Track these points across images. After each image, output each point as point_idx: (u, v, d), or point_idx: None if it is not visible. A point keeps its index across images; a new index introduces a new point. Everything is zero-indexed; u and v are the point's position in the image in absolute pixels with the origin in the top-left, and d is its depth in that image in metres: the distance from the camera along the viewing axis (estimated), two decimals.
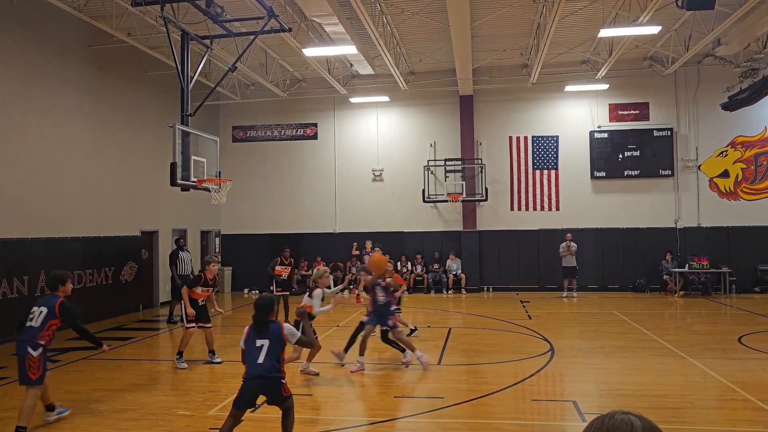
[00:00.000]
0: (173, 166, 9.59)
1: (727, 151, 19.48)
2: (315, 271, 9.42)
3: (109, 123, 15.61)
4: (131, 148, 16.40)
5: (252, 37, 11.69)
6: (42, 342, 6.53)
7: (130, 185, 16.29)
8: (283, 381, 5.68)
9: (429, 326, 13.55)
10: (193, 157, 10.16)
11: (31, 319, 6.58)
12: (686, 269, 18.54)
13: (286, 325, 5.84)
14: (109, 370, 9.62)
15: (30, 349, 6.45)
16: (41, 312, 6.59)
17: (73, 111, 14.37)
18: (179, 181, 9.74)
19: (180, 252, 14.69)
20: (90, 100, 14.93)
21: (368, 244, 14.81)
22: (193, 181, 10.11)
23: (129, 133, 16.36)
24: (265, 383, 5.60)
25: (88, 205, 14.68)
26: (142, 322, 14.93)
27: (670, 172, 19.60)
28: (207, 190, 10.62)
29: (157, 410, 7.40)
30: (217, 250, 21.51)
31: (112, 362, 10.28)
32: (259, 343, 5.62)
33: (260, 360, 5.56)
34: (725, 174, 19.47)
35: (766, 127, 19.25)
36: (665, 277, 18.90)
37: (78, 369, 9.76)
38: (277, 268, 13.93)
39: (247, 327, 5.81)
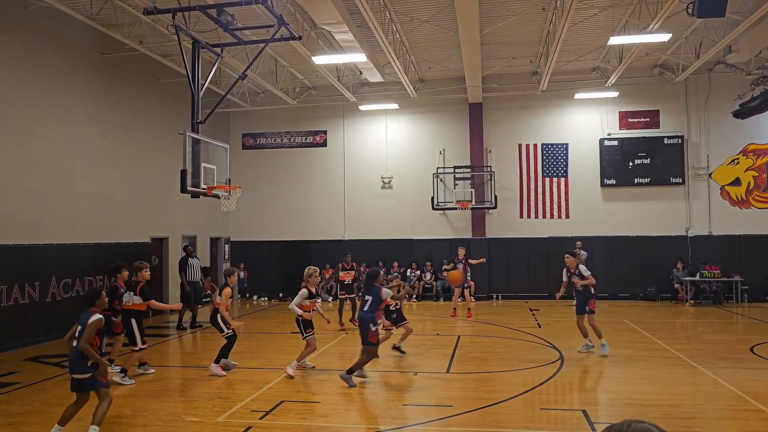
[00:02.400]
0: (183, 173, 9.63)
1: (738, 158, 19.34)
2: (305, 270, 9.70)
3: (120, 130, 15.75)
4: (142, 155, 16.53)
5: (262, 45, 11.76)
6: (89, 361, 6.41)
7: (141, 192, 16.40)
8: (372, 327, 8.71)
9: (438, 334, 13.51)
10: (203, 164, 10.21)
11: (78, 338, 6.45)
12: (697, 278, 18.38)
13: (384, 289, 8.89)
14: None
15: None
16: (78, 329, 6.49)
17: (85, 118, 14.51)
18: (189, 188, 9.78)
19: (189, 258, 14.75)
20: (101, 107, 15.07)
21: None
22: (203, 188, 10.15)
23: (140, 140, 16.50)
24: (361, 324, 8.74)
25: (99, 212, 14.79)
26: (152, 328, 14.95)
27: (680, 180, 19.48)
28: (217, 197, 10.67)
29: (165, 416, 7.42)
30: (226, 257, 21.58)
31: None
32: (366, 297, 8.72)
33: (364, 308, 8.73)
34: (737, 182, 19.33)
35: None
36: (676, 285, 18.75)
37: None
38: (341, 273, 14.64)
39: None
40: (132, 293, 9.65)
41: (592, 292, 10.89)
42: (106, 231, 14.96)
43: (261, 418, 7.26)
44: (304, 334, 9.42)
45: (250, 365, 10.33)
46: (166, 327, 15.17)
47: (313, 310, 9.60)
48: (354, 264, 15.37)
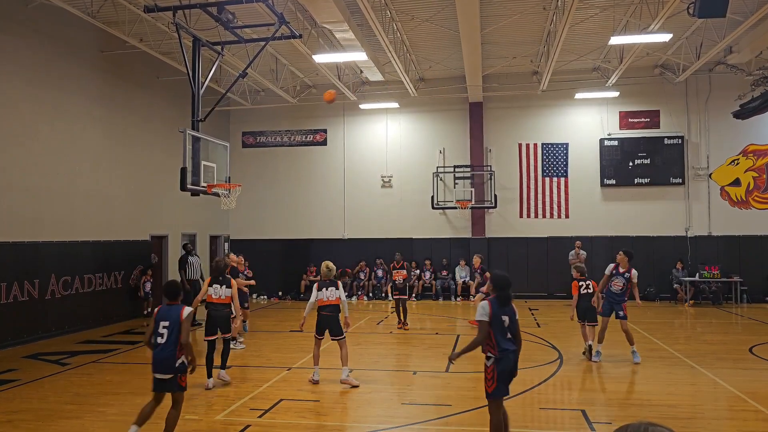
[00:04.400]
0: (183, 171, 9.64)
1: (738, 159, 19.35)
2: None
3: (120, 128, 15.75)
4: (142, 153, 16.52)
5: (263, 43, 11.76)
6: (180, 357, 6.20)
7: (141, 190, 16.40)
8: None
9: (437, 333, 13.51)
10: (203, 163, 10.22)
11: (161, 335, 6.18)
12: (697, 278, 18.38)
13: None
14: (118, 374, 9.66)
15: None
16: (165, 325, 6.20)
17: (85, 115, 14.50)
18: (189, 186, 9.79)
19: (189, 257, 14.75)
20: (102, 105, 15.06)
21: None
22: (203, 186, 10.16)
23: (140, 138, 16.49)
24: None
25: (99, 209, 14.80)
26: None
27: (680, 181, 19.48)
28: (217, 195, 10.67)
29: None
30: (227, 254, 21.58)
31: (121, 366, 10.33)
32: (504, 317, 5.64)
33: (509, 335, 5.66)
34: (737, 182, 19.33)
35: None
36: (675, 286, 18.75)
37: (87, 372, 9.81)
38: (393, 273, 14.32)
39: (486, 303, 5.63)
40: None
41: (627, 297, 10.50)
42: (106, 229, 14.96)
43: (260, 417, 7.27)
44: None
45: (249, 363, 10.33)
46: None
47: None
48: (405, 263, 14.97)
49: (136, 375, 9.60)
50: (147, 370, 9.95)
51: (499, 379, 5.54)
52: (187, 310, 6.23)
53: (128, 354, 11.46)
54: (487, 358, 5.60)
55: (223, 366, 9.08)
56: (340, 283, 9.22)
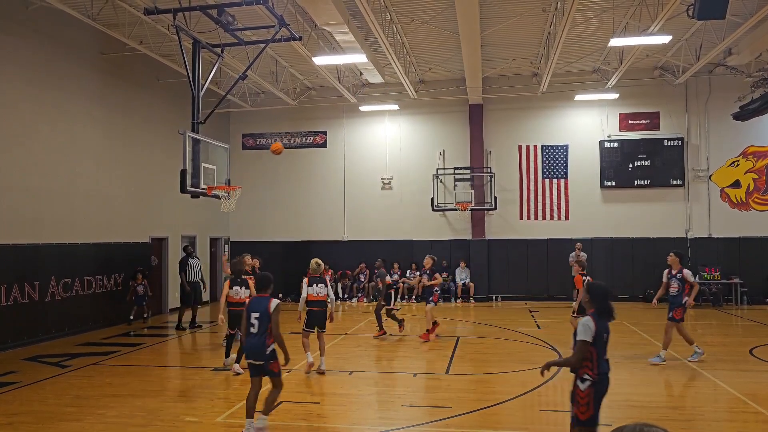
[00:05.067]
0: (183, 173, 9.65)
1: (738, 161, 19.35)
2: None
3: (120, 130, 15.76)
4: (142, 155, 16.53)
5: (263, 45, 11.77)
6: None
7: (141, 192, 16.41)
8: None
9: (437, 335, 13.49)
10: (203, 165, 10.22)
11: (253, 325, 6.53)
12: (697, 280, 18.35)
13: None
14: (118, 376, 9.65)
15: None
16: (256, 316, 6.55)
17: (85, 117, 14.51)
18: (189, 188, 9.79)
19: (189, 259, 14.74)
20: (102, 107, 15.07)
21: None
22: (203, 188, 10.16)
23: (140, 140, 16.50)
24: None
25: (99, 211, 14.80)
26: (151, 328, 14.98)
27: (680, 182, 19.49)
28: (217, 197, 10.68)
29: (165, 416, 7.42)
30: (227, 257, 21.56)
31: (121, 368, 10.33)
32: (605, 335, 4.93)
33: (606, 356, 4.95)
34: (736, 184, 19.34)
35: None
36: None
37: (87, 375, 9.80)
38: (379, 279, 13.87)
39: (589, 320, 4.90)
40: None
41: (684, 300, 10.33)
42: (106, 231, 14.97)
43: None
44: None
45: None
46: (165, 327, 15.17)
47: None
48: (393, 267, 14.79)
49: (136, 377, 9.60)
50: (147, 373, 10.01)
51: (596, 404, 4.87)
52: (274, 302, 6.57)
53: (128, 356, 11.45)
54: (582, 380, 4.90)
55: (238, 359, 9.60)
56: (328, 280, 9.76)
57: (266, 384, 6.73)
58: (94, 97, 14.83)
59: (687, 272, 10.40)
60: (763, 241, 18.82)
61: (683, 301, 10.31)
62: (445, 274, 20.31)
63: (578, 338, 4.88)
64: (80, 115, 14.34)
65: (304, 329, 9.54)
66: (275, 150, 10.72)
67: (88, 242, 14.28)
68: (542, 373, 5.16)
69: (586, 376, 4.86)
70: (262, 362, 6.51)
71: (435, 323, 12.69)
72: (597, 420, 4.94)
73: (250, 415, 6.55)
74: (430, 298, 12.70)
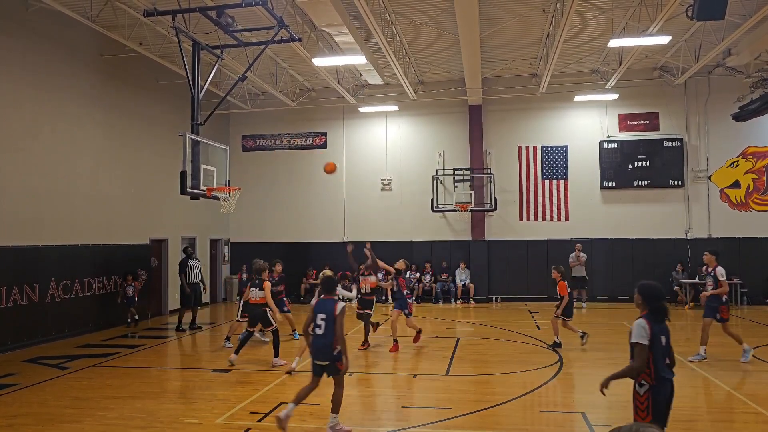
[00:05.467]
0: (183, 174, 9.65)
1: (738, 161, 19.36)
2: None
3: (120, 131, 15.76)
4: (142, 157, 16.53)
5: (262, 47, 11.78)
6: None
7: (141, 193, 16.41)
8: None
9: (437, 336, 13.49)
10: (202, 166, 10.22)
11: (319, 326, 6.68)
12: (697, 280, 18.37)
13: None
14: (117, 378, 9.65)
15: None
16: (322, 318, 6.68)
17: (85, 119, 14.52)
18: (189, 190, 9.80)
19: (189, 260, 14.73)
20: (101, 109, 15.08)
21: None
22: (203, 190, 10.17)
23: (140, 142, 16.51)
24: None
25: (99, 213, 14.80)
26: (151, 330, 14.97)
27: (680, 183, 19.49)
28: (216, 198, 10.68)
29: (164, 418, 7.41)
30: (226, 258, 21.58)
31: (120, 370, 10.33)
32: (662, 338, 4.91)
33: (667, 360, 4.94)
34: (736, 184, 19.34)
35: None
36: (675, 288, 18.75)
37: (87, 376, 9.80)
38: (361, 279, 13.45)
39: (643, 321, 4.87)
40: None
41: (723, 299, 10.41)
42: (106, 232, 14.96)
43: (260, 420, 7.26)
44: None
45: (249, 367, 10.33)
46: (165, 329, 15.16)
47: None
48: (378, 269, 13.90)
49: (136, 379, 9.60)
50: (147, 374, 10.01)
51: (655, 410, 4.77)
52: (340, 305, 6.72)
53: (128, 358, 11.45)
54: (640, 385, 4.84)
55: (275, 354, 10.30)
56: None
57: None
58: (94, 98, 14.84)
59: (720, 270, 10.54)
60: (763, 242, 18.82)
61: (723, 300, 10.45)
62: (444, 275, 20.30)
63: (634, 341, 4.77)
64: (80, 116, 14.34)
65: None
66: (329, 170, 11.09)
67: (88, 244, 14.28)
68: (602, 392, 5.02)
69: (644, 381, 4.79)
70: (327, 362, 6.65)
71: (419, 331, 11.90)
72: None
73: (296, 402, 6.72)
74: (407, 311, 11.60)
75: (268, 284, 10.47)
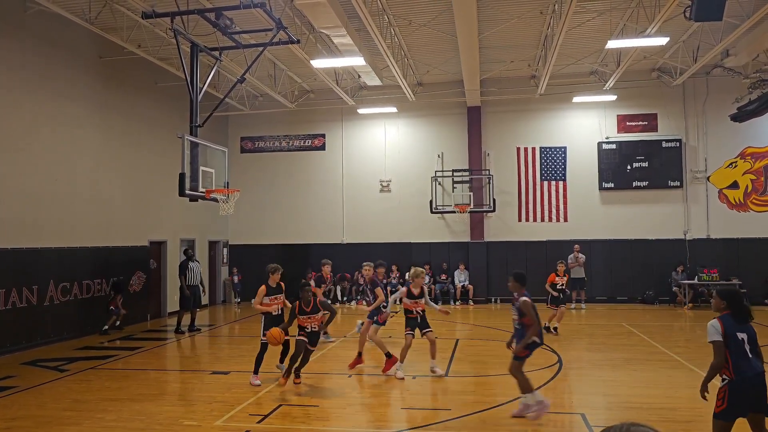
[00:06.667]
0: (182, 176, 9.66)
1: (736, 162, 19.38)
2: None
3: (119, 133, 15.76)
4: (141, 159, 16.53)
5: (261, 48, 11.79)
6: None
7: (139, 195, 16.40)
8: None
9: (437, 337, 13.47)
10: (201, 168, 10.23)
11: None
12: (696, 281, 18.39)
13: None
14: (116, 380, 9.64)
15: None
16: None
17: (84, 121, 14.51)
18: (188, 192, 9.81)
19: (189, 262, 14.74)
20: (100, 111, 15.07)
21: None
22: (202, 192, 10.17)
23: (138, 144, 16.50)
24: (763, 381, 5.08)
25: (98, 215, 14.78)
26: (150, 332, 14.96)
27: (678, 184, 19.51)
28: (215, 200, 10.68)
29: (164, 420, 7.41)
30: (225, 260, 21.56)
31: (119, 372, 10.32)
32: (740, 336, 5.14)
33: (750, 355, 5.12)
34: (734, 185, 19.36)
35: None
36: (674, 289, 18.76)
37: (86, 379, 9.78)
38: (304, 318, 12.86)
39: (715, 321, 5.25)
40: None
41: None
42: (105, 234, 14.95)
43: (259, 422, 7.26)
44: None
45: (248, 369, 10.30)
46: (164, 331, 15.15)
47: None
48: (324, 287, 13.61)
49: (134, 381, 9.58)
50: (146, 376, 9.99)
51: (731, 401, 5.04)
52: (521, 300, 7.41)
53: (127, 360, 11.44)
54: (722, 378, 5.16)
55: (282, 361, 9.81)
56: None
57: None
58: (93, 100, 14.83)
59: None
60: (762, 242, 18.83)
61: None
62: (444, 276, 20.30)
63: (710, 341, 5.20)
64: (79, 118, 14.34)
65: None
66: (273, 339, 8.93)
67: (86, 246, 14.26)
68: (704, 397, 5.38)
69: (724, 376, 5.13)
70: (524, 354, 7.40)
71: (360, 354, 10.34)
72: (729, 416, 5.10)
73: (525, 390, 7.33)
74: (377, 317, 10.15)
75: (262, 288, 9.41)
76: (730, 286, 5.01)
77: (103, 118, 15.17)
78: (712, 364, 5.16)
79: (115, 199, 15.44)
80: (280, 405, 7.94)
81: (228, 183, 11.14)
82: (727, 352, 5.08)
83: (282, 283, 9.67)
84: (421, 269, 9.90)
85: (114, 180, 15.46)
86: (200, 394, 8.79)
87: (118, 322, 14.84)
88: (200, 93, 10.57)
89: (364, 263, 10.87)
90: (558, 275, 13.78)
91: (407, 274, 10.19)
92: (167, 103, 17.64)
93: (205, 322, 16.43)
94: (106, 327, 14.49)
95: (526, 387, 7.34)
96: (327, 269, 13.23)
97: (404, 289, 9.74)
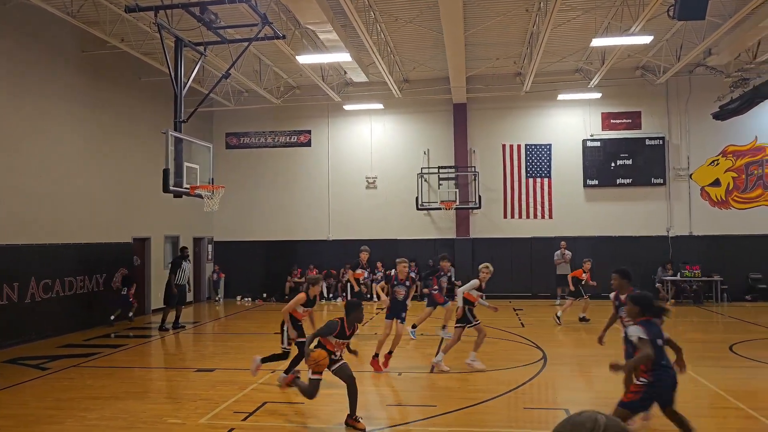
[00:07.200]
0: (166, 172, 9.56)
1: (718, 160, 19.61)
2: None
3: (102, 129, 15.57)
4: (124, 155, 16.35)
5: (246, 44, 11.70)
6: None
7: (123, 191, 16.23)
8: None
9: (422, 334, 13.51)
10: (186, 164, 10.13)
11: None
12: (678, 277, 18.61)
13: None
14: (99, 378, 9.54)
15: None
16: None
17: (67, 116, 14.32)
18: (172, 188, 9.71)
19: (182, 261, 14.67)
20: (83, 106, 14.88)
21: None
22: (186, 188, 10.08)
23: (122, 139, 16.32)
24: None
25: (81, 212, 14.61)
26: (134, 329, 14.83)
27: (662, 181, 19.70)
28: (200, 196, 10.59)
29: (147, 418, 7.35)
30: (210, 257, 21.43)
31: (102, 370, 10.22)
32: (659, 342, 5.42)
33: (665, 362, 5.40)
34: (716, 183, 19.60)
35: (756, 137, 19.40)
36: (657, 285, 18.96)
37: (68, 377, 9.68)
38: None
39: (639, 326, 5.42)
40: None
41: None
42: (88, 231, 14.78)
43: (244, 420, 7.22)
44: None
45: (233, 366, 10.27)
46: (148, 328, 15.02)
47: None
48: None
49: (117, 379, 9.50)
50: (129, 374, 9.91)
51: (643, 399, 5.42)
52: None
53: (110, 358, 11.33)
54: (641, 379, 5.45)
55: (286, 371, 8.70)
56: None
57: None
58: (75, 95, 14.64)
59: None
60: (743, 239, 19.08)
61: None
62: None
63: (634, 336, 5.42)
64: (61, 113, 14.15)
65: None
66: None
67: (69, 243, 14.09)
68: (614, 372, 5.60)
69: (642, 379, 5.36)
70: None
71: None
72: (637, 410, 5.49)
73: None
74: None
75: (301, 296, 8.76)
76: (642, 292, 5.10)
77: (85, 113, 14.98)
78: (644, 353, 5.22)
79: (97, 196, 15.26)
80: (266, 402, 7.91)
81: (213, 179, 11.04)
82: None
83: (317, 296, 9.07)
84: (488, 264, 10.25)
85: (97, 176, 15.28)
86: (185, 391, 8.73)
87: (131, 313, 15.37)
88: (185, 88, 10.46)
89: (399, 260, 10.53)
90: (584, 272, 15.00)
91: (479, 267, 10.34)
92: (151, 99, 17.47)
93: (190, 319, 16.32)
94: (113, 317, 15.03)
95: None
96: (365, 256, 14.02)
97: (476, 281, 10.04)
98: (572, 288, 15.09)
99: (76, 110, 14.67)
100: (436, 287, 12.04)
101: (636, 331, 5.32)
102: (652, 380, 5.23)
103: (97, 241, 15.04)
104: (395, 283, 10.15)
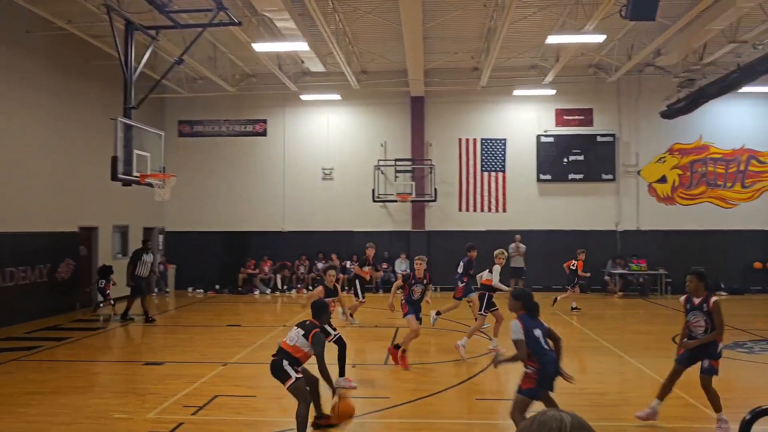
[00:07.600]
0: (114, 160, 9.29)
1: (665, 157, 20.27)
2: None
3: (47, 113, 14.93)
4: (71, 140, 15.73)
5: (200, 29, 11.41)
6: None
7: (69, 179, 15.62)
8: None
9: (376, 326, 13.54)
10: (136, 152, 9.87)
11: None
12: (626, 271, 19.19)
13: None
14: (41, 372, 9.20)
15: None
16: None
17: (8, 99, 13.66)
18: (121, 176, 9.44)
19: (144, 254, 14.29)
20: (27, 88, 14.22)
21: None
22: (136, 176, 9.81)
23: (68, 125, 15.69)
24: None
25: (23, 199, 13.98)
26: (79, 321, 14.35)
27: (612, 177, 20.24)
28: (150, 185, 10.33)
29: (91, 414, 7.11)
30: (160, 247, 20.90)
31: (45, 364, 9.86)
32: (536, 332, 5.82)
33: (546, 347, 5.84)
34: (663, 179, 20.26)
35: (701, 135, 20.13)
36: (606, 278, 19.50)
37: (7, 371, 9.29)
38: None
39: (517, 321, 5.87)
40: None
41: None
42: (30, 219, 14.16)
43: (194, 414, 7.08)
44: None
45: (183, 359, 10.05)
46: (95, 320, 14.56)
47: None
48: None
49: (61, 373, 9.17)
50: (74, 368, 9.57)
51: (539, 383, 5.91)
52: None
53: (54, 351, 10.93)
54: (528, 368, 5.91)
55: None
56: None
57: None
58: (18, 77, 13.97)
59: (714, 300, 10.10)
60: (687, 234, 19.78)
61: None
62: (385, 265, 20.35)
63: (512, 338, 5.91)
64: (4, 97, 13.48)
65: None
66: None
67: (8, 231, 13.47)
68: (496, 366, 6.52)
69: (531, 367, 5.83)
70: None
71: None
72: (534, 396, 5.90)
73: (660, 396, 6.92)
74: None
75: (320, 289, 8.68)
76: (524, 288, 5.54)
77: (29, 97, 14.32)
78: (516, 356, 5.82)
79: (41, 182, 14.64)
80: (216, 396, 7.77)
81: (164, 168, 10.79)
82: (529, 347, 5.72)
83: (337, 285, 8.97)
84: (503, 250, 10.74)
85: (41, 162, 14.66)
86: (132, 385, 8.50)
87: (113, 302, 15.10)
88: (135, 73, 10.16)
89: (417, 258, 10.36)
90: (576, 261, 15.71)
91: (495, 252, 10.84)
92: (100, 83, 16.84)
93: (139, 311, 15.89)
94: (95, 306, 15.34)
95: (717, 404, 6.64)
96: (371, 252, 14.11)
97: (498, 267, 10.67)
98: (580, 275, 15.75)
99: (20, 92, 14.01)
100: (465, 280, 12.02)
101: (514, 332, 5.79)
102: (539, 366, 5.73)
103: (39, 229, 14.44)
104: (413, 281, 10.04)
